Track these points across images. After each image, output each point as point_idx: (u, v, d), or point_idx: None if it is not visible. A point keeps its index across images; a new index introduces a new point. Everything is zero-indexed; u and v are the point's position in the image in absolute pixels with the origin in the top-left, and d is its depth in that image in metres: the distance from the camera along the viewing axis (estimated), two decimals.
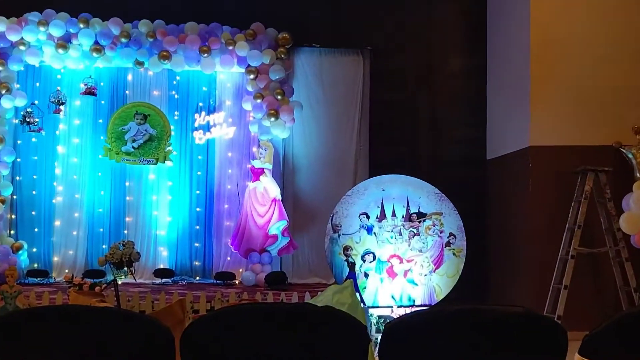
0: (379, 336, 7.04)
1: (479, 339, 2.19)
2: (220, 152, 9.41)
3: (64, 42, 8.66)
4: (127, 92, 9.38)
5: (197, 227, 9.35)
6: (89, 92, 8.89)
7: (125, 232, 9.24)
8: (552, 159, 7.93)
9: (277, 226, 8.74)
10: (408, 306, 7.49)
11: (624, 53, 7.92)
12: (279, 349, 2.17)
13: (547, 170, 7.95)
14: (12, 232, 9.02)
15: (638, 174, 7.33)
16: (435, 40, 9.67)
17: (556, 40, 7.97)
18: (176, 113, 9.41)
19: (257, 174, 8.88)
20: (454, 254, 7.75)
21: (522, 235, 8.28)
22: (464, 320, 2.23)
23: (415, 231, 7.74)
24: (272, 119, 8.78)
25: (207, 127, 9.29)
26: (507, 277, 8.73)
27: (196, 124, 9.31)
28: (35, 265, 8.96)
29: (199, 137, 9.28)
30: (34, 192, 9.13)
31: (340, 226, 7.67)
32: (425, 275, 7.69)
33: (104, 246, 9.06)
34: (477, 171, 9.48)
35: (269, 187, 8.79)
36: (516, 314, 2.22)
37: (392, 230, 7.72)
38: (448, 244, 7.75)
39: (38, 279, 8.61)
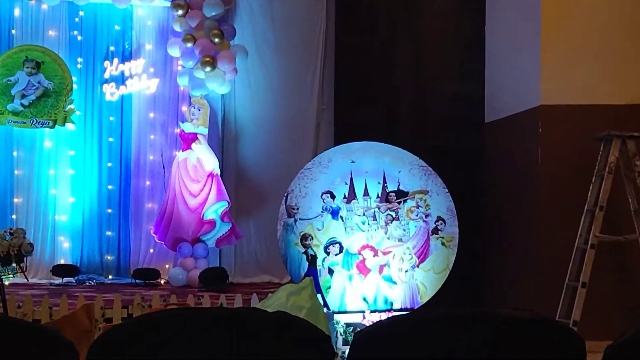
0: (347, 349, 7.21)
1: (474, 352, 2.22)
2: (139, 112, 9.36)
3: None
4: (13, 31, 9.20)
5: (109, 210, 9.33)
6: None
7: (14, 217, 9.13)
8: (568, 122, 7.97)
9: (214, 209, 8.72)
10: (384, 311, 7.53)
11: None
12: None
13: (561, 136, 7.98)
14: None
15: None
16: None
17: None
18: (79, 60, 9.29)
19: (188, 140, 8.80)
20: (442, 243, 7.78)
21: (530, 219, 8.34)
22: (455, 328, 2.27)
23: (394, 215, 7.75)
24: (208, 68, 8.69)
25: (121, 79, 9.20)
26: (510, 273, 8.80)
27: (107, 75, 9.20)
28: None
29: (111, 92, 9.19)
30: None
31: (298, 209, 7.65)
32: (407, 271, 7.70)
33: None
34: (472, 138, 9.54)
35: (203, 158, 8.75)
36: (521, 320, 2.27)
37: (364, 214, 7.72)
38: (435, 230, 7.77)
39: None
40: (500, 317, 2.30)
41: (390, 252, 7.70)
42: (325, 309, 6.94)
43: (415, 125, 9.51)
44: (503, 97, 9.14)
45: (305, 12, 9.57)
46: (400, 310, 7.60)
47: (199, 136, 8.78)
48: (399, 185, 7.78)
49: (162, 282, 8.87)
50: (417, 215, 7.78)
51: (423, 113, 9.65)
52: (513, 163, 8.80)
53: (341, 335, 7.06)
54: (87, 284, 8.74)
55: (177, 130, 9.10)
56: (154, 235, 8.96)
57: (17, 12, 9.15)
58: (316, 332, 2.35)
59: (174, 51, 9.00)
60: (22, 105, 8.96)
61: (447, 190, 7.80)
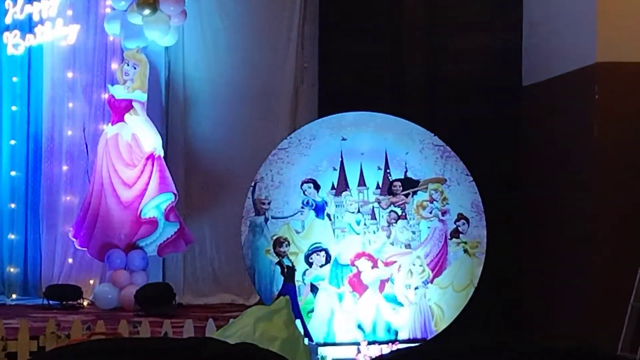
0: None
1: None
2: (52, 70, 9.28)
3: None
4: None
5: (13, 205, 9.26)
6: None
7: None
8: (631, 83, 8.07)
9: (156, 204, 8.69)
10: (387, 342, 7.58)
11: None
12: None
13: (625, 103, 8.08)
14: None
15: None
16: None
17: None
18: None
19: (119, 110, 8.74)
20: (465, 250, 7.87)
21: (581, 216, 8.40)
22: None
23: (400, 212, 7.82)
24: (146, 11, 8.60)
25: (27, 26, 9.11)
26: (556, 289, 8.83)
27: (7, 20, 9.10)
28: None
29: (14, 44, 9.08)
30: None
31: (269, 203, 7.71)
32: (417, 288, 7.77)
33: None
34: (506, 106, 9.60)
35: (141, 134, 8.70)
36: (570, 353, 2.27)
37: (359, 211, 7.79)
38: (456, 233, 7.85)
39: None
40: (541, 351, 2.29)
41: (394, 262, 7.75)
42: (306, 340, 6.74)
43: (429, 91, 9.49)
44: (546, 53, 9.18)
45: None
46: (408, 341, 7.63)
47: (134, 104, 8.71)
48: (406, 171, 7.85)
49: (85, 303, 8.78)
50: (430, 213, 7.83)
51: (439, 75, 9.64)
52: (560, 138, 8.83)
53: None
54: None
55: (105, 96, 9.00)
56: (74, 239, 8.88)
57: None
58: None
59: None
60: None
61: (471, 179, 7.86)
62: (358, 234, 7.76)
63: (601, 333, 7.68)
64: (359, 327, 7.63)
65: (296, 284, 7.63)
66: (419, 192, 7.84)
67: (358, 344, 7.43)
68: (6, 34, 9.06)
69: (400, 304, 7.72)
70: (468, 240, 7.84)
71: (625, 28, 8.14)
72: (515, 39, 9.73)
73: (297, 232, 7.71)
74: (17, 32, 9.05)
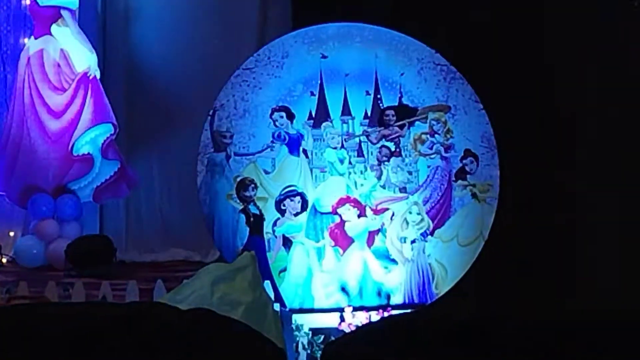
0: None
1: None
2: None
3: None
4: None
5: None
6: None
7: None
8: None
9: (92, 137, 8.66)
10: (376, 308, 7.65)
11: None
12: None
13: None
14: None
15: None
16: None
17: None
18: None
19: (45, 20, 8.68)
20: (474, 195, 7.94)
21: (611, 157, 8.49)
22: (486, 337, 2.39)
23: (394, 147, 7.87)
24: None
25: None
26: (578, 243, 8.87)
27: None
28: None
29: None
30: None
31: (231, 137, 7.75)
32: (414, 241, 7.84)
33: None
34: (525, 13, 9.28)
35: (72, 50, 8.66)
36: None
37: (343, 146, 7.85)
38: (462, 173, 7.93)
39: None
40: (569, 316, 2.46)
41: (386, 209, 7.80)
42: (277, 306, 6.91)
43: None
44: None
45: None
46: (403, 306, 7.69)
47: (63, 12, 8.64)
48: (401, 97, 7.89)
49: (4, 260, 8.78)
50: (431, 149, 7.88)
51: None
52: (607, 52, 8.74)
53: (305, 349, 7.18)
54: None
55: (27, 2, 8.96)
56: None
57: None
58: (261, 344, 2.42)
59: None
60: None
61: (481, 106, 7.89)
62: (342, 174, 7.79)
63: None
64: (343, 289, 7.68)
65: (265, 236, 7.67)
66: (416, 123, 7.87)
67: (342, 310, 7.47)
68: None
69: (394, 262, 7.78)
70: (477, 183, 7.91)
71: None
72: None
73: (267, 173, 7.74)
74: None
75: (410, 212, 7.81)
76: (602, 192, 8.67)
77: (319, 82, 7.81)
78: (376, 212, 7.76)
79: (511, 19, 9.27)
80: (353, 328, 7.18)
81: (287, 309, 7.28)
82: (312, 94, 7.80)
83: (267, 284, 6.91)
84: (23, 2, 9.12)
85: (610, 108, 8.58)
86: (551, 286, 8.98)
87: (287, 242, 7.68)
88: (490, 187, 7.89)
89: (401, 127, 7.86)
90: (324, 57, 7.81)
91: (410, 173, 7.85)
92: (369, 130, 7.84)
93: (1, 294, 6.94)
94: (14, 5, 9.27)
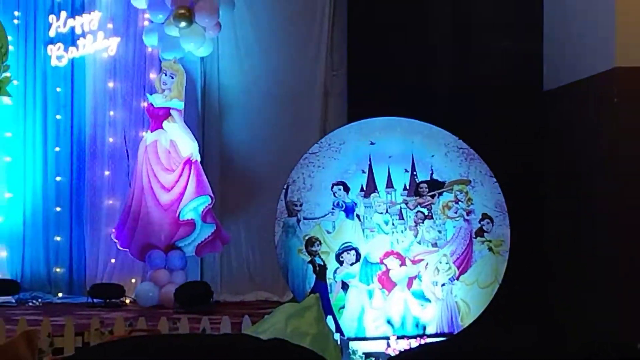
0: None
1: None
2: (94, 80, 9.35)
3: None
4: None
5: (58, 209, 9.31)
6: None
7: None
8: None
9: (194, 206, 8.70)
10: (415, 337, 7.55)
11: None
12: None
13: None
14: None
15: None
16: None
17: None
18: (16, 14, 9.28)
19: (158, 118, 8.77)
20: (490, 249, 7.83)
21: (607, 215, 8.30)
22: None
23: (427, 212, 7.80)
24: (183, 23, 8.63)
25: (71, 39, 9.18)
26: (583, 288, 8.74)
27: (52, 33, 9.18)
28: None
29: (58, 56, 9.16)
30: None
31: (301, 205, 7.70)
32: (444, 285, 7.76)
33: None
34: (528, 109, 9.49)
35: (179, 140, 8.73)
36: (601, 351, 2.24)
37: (387, 211, 7.77)
38: (480, 232, 7.82)
39: None
40: (568, 351, 2.29)
41: (421, 260, 7.72)
42: (337, 336, 6.90)
43: (454, 96, 9.42)
44: (566, 59, 9.13)
45: None
46: (436, 335, 7.60)
47: (172, 112, 8.74)
48: (432, 173, 7.82)
49: (127, 301, 8.83)
50: (456, 213, 7.80)
51: (464, 80, 9.55)
52: (581, 141, 8.76)
53: None
54: (31, 304, 8.72)
55: (144, 105, 9.06)
56: (116, 240, 8.92)
57: None
58: None
59: (139, 1, 8.92)
60: None
61: (495, 180, 7.81)
62: (387, 233, 7.72)
63: (625, 328, 7.64)
64: (388, 322, 7.61)
65: (328, 281, 7.60)
66: (444, 193, 7.81)
67: (387, 338, 7.40)
68: (50, 47, 9.16)
69: (428, 300, 7.69)
70: (492, 239, 7.80)
71: None
72: (536, 43, 9.61)
73: (328, 232, 7.67)
74: (60, 44, 9.15)
75: (440, 262, 7.72)
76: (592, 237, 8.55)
77: (368, 162, 7.74)
78: (414, 262, 7.67)
79: (514, 117, 9.38)
80: (397, 352, 7.14)
81: (345, 338, 7.20)
82: (363, 171, 7.73)
83: (329, 318, 6.86)
84: (142, 104, 9.20)
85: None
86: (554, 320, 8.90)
87: (344, 286, 7.58)
88: (503, 242, 7.78)
89: (432, 196, 7.77)
90: (372, 143, 7.76)
91: (439, 232, 7.77)
92: (407, 199, 7.75)
93: (125, 327, 6.84)
94: (134, 108, 9.33)
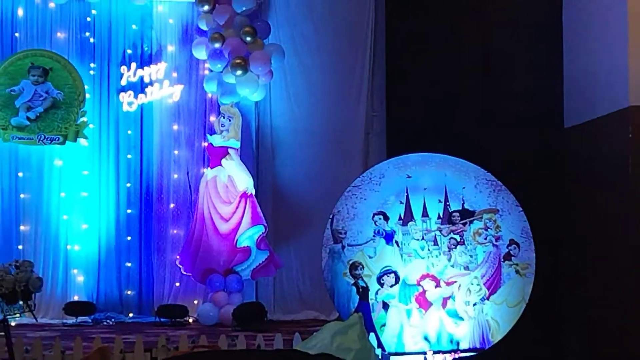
0: None
1: None
2: (161, 124, 9.48)
3: None
4: (16, 34, 9.40)
5: (129, 238, 9.42)
6: None
7: (20, 247, 9.28)
8: None
9: (249, 234, 8.80)
10: (449, 351, 7.55)
11: None
12: None
13: None
14: None
15: None
16: None
17: None
18: (92, 66, 9.45)
19: (217, 156, 8.91)
20: (517, 271, 7.80)
21: (623, 240, 8.27)
22: None
23: (459, 239, 7.80)
24: (239, 72, 8.77)
25: (140, 87, 9.34)
26: (604, 307, 8.65)
27: (123, 82, 9.35)
28: None
29: (129, 102, 9.33)
30: None
31: (345, 233, 7.72)
32: (475, 304, 7.73)
33: None
34: (551, 145, 9.47)
35: (235, 175, 8.84)
36: None
37: (423, 238, 7.78)
38: (508, 256, 7.80)
39: None
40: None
41: (455, 282, 7.72)
42: (379, 351, 6.95)
43: (483, 132, 9.37)
44: (586, 97, 9.07)
45: (351, 1, 9.64)
46: (469, 350, 7.60)
47: (229, 150, 8.85)
48: (463, 203, 7.83)
49: (190, 320, 8.92)
50: (485, 239, 7.79)
51: (492, 117, 9.50)
52: (600, 175, 8.71)
53: None
54: (105, 323, 8.82)
55: (205, 144, 9.20)
56: (180, 266, 9.03)
57: (20, 12, 9.34)
58: None
59: (200, 53, 9.09)
60: (28, 119, 9.13)
61: (521, 209, 7.80)
62: (423, 258, 7.73)
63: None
64: (425, 338, 7.59)
65: (370, 302, 7.60)
66: (474, 221, 7.80)
67: (424, 353, 7.41)
68: (122, 94, 9.34)
69: (461, 318, 7.67)
70: (519, 262, 7.77)
71: None
72: (557, 83, 9.59)
73: (370, 257, 7.69)
74: (131, 92, 9.33)
75: (472, 284, 7.71)
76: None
77: (406, 194, 7.75)
78: (448, 284, 7.67)
79: (538, 151, 9.40)
80: None
81: (387, 353, 7.22)
82: (401, 202, 7.74)
83: (372, 335, 6.90)
84: (202, 144, 9.33)
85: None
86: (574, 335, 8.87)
87: (385, 306, 7.58)
88: (529, 265, 7.75)
89: (464, 224, 7.76)
90: (408, 177, 7.77)
91: (471, 256, 7.75)
92: (441, 227, 7.75)
93: (188, 344, 6.93)
94: (196, 147, 9.42)
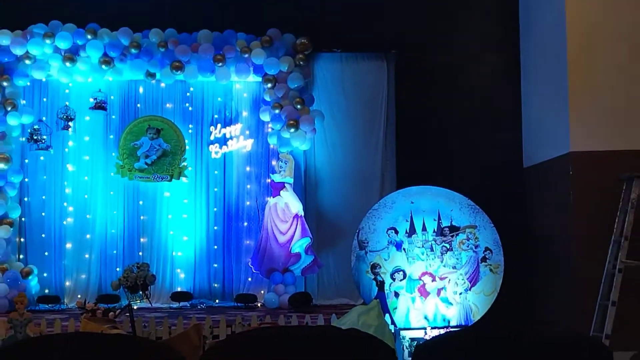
0: None
1: None
2: (237, 166, 9.47)
3: (72, 55, 8.83)
4: (138, 105, 9.50)
5: (216, 246, 9.39)
6: (99, 106, 9.01)
7: (140, 253, 9.31)
8: (594, 165, 7.83)
9: (300, 244, 8.77)
10: (442, 327, 7.48)
11: None
12: None
13: (589, 178, 7.83)
14: (21, 256, 9.12)
15: None
16: (463, 41, 9.54)
17: (595, 43, 7.96)
18: (190, 126, 9.50)
19: (277, 188, 8.93)
20: (490, 270, 7.75)
21: (565, 248, 8.20)
22: (504, 344, 2.21)
23: (448, 246, 7.76)
24: (292, 129, 8.83)
25: (223, 140, 9.38)
26: (550, 294, 8.62)
27: (212, 137, 9.41)
28: (46, 290, 9.05)
29: (215, 151, 9.38)
30: (43, 214, 9.25)
31: (367, 242, 7.72)
32: (460, 293, 7.69)
33: (117, 269, 9.13)
34: (513, 180, 9.36)
35: (290, 202, 8.83)
36: (561, 337, 2.21)
37: (423, 246, 7.75)
38: (484, 259, 7.75)
39: (49, 305, 8.68)
40: (542, 335, 2.24)
41: (446, 277, 7.71)
42: (392, 326, 6.94)
43: (465, 170, 9.26)
44: (538, 145, 8.98)
45: (371, 80, 9.54)
46: (457, 327, 7.58)
47: (286, 185, 8.88)
48: (451, 221, 7.81)
49: (259, 305, 8.90)
50: (467, 247, 7.78)
51: (470, 160, 9.40)
52: (549, 201, 8.61)
53: (407, 348, 7.00)
54: (199, 307, 8.83)
55: (268, 181, 9.20)
56: (252, 266, 9.04)
57: (141, 90, 9.51)
58: (382, 345, 2.32)
59: (265, 116, 9.16)
60: (146, 164, 9.26)
61: (493, 226, 7.80)
62: (423, 260, 7.73)
63: (578, 322, 7.54)
64: (425, 318, 7.61)
65: (385, 292, 7.60)
66: (459, 234, 7.78)
67: (425, 328, 7.39)
68: (211, 146, 9.41)
69: (451, 304, 7.66)
70: (492, 264, 7.75)
71: (588, 128, 7.88)
72: (517, 135, 9.48)
73: (385, 260, 7.71)
74: (217, 144, 9.40)
75: (458, 279, 7.70)
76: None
77: (410, 215, 7.77)
78: (441, 279, 7.67)
79: (506, 186, 9.32)
80: (430, 337, 7.14)
81: (398, 328, 7.22)
82: (406, 220, 7.76)
83: (387, 316, 6.96)
84: (267, 180, 9.30)
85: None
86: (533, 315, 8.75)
87: (396, 294, 7.61)
88: (499, 265, 7.74)
89: (452, 236, 7.76)
90: (412, 202, 7.81)
91: (457, 259, 7.73)
92: (436, 238, 7.75)
93: (257, 321, 7.05)
94: (262, 183, 9.38)
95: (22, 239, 9.18)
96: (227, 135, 9.37)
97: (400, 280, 7.67)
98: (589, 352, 2.20)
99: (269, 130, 9.24)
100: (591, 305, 7.41)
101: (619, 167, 7.60)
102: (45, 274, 9.11)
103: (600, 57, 7.94)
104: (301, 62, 9.08)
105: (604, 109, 7.90)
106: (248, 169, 9.48)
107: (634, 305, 7.42)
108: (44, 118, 9.14)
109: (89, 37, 8.81)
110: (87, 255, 9.22)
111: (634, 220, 7.35)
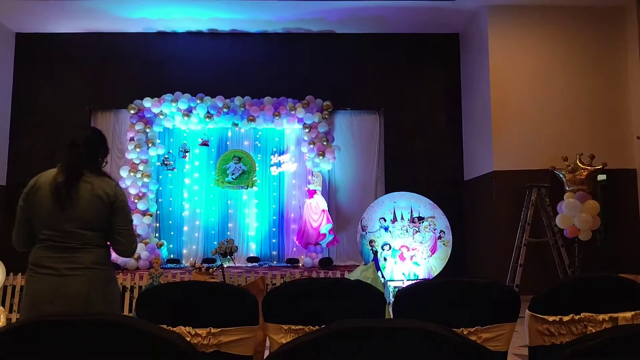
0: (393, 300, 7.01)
1: (461, 300, 2.14)
2: (287, 180, 9.45)
3: (188, 113, 8.98)
4: (228, 143, 9.54)
5: (274, 229, 9.36)
6: (204, 144, 9.16)
7: (229, 233, 9.32)
8: (509, 179, 7.81)
9: (326, 228, 8.72)
10: (413, 280, 7.42)
11: (557, 107, 7.90)
12: (326, 305, 2.18)
13: (506, 187, 7.82)
14: (156, 235, 9.27)
15: (567, 188, 7.22)
16: (426, 101, 9.47)
17: (510, 97, 7.91)
18: (259, 156, 9.51)
19: (311, 193, 8.92)
20: (444, 244, 7.65)
21: (490, 231, 8.10)
22: (451, 287, 2.20)
23: (417, 229, 7.67)
24: (321, 157, 8.86)
25: (279, 164, 9.38)
26: (481, 260, 8.51)
27: (272, 162, 9.41)
28: (172, 256, 9.13)
29: (274, 171, 9.38)
30: (170, 209, 9.35)
31: (367, 227, 7.66)
32: (425, 259, 7.60)
33: (215, 242, 9.16)
34: (458, 188, 9.26)
35: (319, 202, 8.82)
36: (487, 283, 2.18)
37: (401, 229, 7.67)
38: (440, 237, 7.65)
39: (173, 265, 8.77)
40: (476, 282, 2.21)
41: (416, 249, 7.60)
42: (382, 279, 6.81)
43: (428, 182, 9.18)
44: (473, 166, 8.87)
45: (369, 127, 9.47)
46: (422, 279, 7.28)
47: (317, 191, 8.87)
48: (419, 213, 7.69)
49: (300, 265, 8.84)
50: (429, 229, 7.65)
51: (431, 176, 9.30)
52: (481, 202, 8.51)
53: (391, 292, 6.88)
54: (264, 266, 8.80)
55: (306, 188, 9.17)
56: (296, 241, 9.01)
57: (229, 133, 9.52)
58: (376, 290, 2.29)
59: (304, 149, 9.15)
60: (232, 178, 9.28)
61: (445, 216, 7.69)
62: (401, 238, 7.58)
63: (499, 277, 7.40)
64: (403, 274, 7.46)
65: (378, 257, 7.48)
66: (424, 222, 7.63)
67: (402, 280, 7.28)
68: (272, 168, 9.31)
69: (419, 265, 7.51)
70: (445, 240, 7.57)
71: (505, 154, 7.77)
72: (460, 160, 9.30)
73: (378, 237, 7.56)
74: (275, 166, 9.32)
75: (424, 250, 7.51)
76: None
77: (393, 210, 7.61)
78: (413, 249, 7.50)
79: (454, 193, 8.95)
80: (406, 285, 7.09)
81: (386, 280, 7.10)
82: (391, 213, 7.59)
83: (379, 272, 6.55)
84: (305, 188, 9.14)
85: None
86: (469, 270, 8.53)
87: (385, 259, 7.44)
88: (449, 241, 7.54)
89: (420, 223, 7.57)
90: (394, 202, 7.64)
91: (423, 237, 7.55)
92: (410, 224, 7.56)
93: (299, 275, 7.01)
94: (303, 190, 9.25)
95: (157, 224, 9.27)
96: (281, 161, 9.35)
97: (388, 250, 7.57)
98: (506, 293, 2.17)
99: (307, 158, 9.18)
100: (507, 266, 7.37)
101: (524, 180, 7.58)
102: (171, 245, 9.20)
103: (514, 110, 7.91)
104: (326, 116, 9.07)
105: (515, 143, 7.86)
106: (294, 181, 9.41)
107: (532, 266, 7.36)
108: (171, 151, 9.30)
109: (198, 101, 8.95)
110: (196, 234, 9.26)
111: (533, 213, 7.32)
